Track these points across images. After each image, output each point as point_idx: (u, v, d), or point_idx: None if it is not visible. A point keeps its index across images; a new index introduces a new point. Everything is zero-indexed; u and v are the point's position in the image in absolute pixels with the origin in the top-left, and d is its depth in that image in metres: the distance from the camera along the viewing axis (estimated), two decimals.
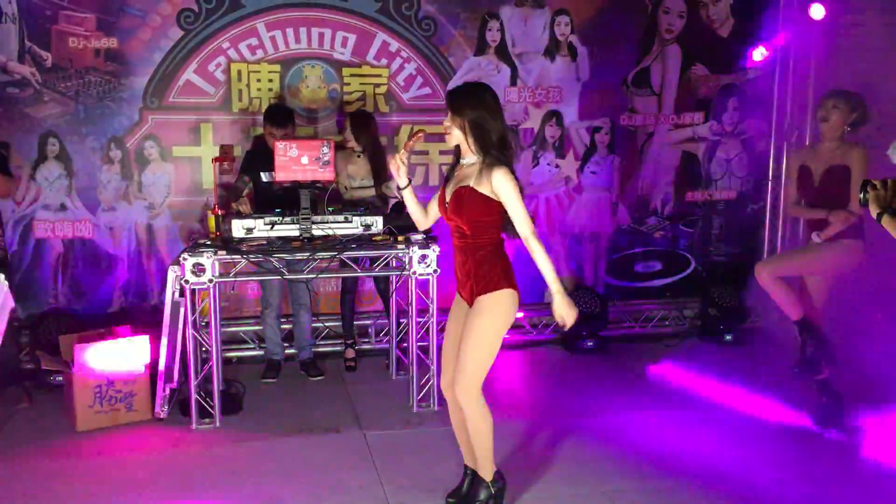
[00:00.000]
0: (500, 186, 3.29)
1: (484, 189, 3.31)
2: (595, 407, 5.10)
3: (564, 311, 3.34)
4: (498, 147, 3.33)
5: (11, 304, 3.44)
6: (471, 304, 3.43)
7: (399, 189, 3.67)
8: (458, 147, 3.45)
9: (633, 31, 6.64)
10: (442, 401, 5.03)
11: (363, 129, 5.60)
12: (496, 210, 3.33)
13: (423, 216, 3.69)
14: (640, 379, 5.70)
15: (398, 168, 3.59)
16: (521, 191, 3.35)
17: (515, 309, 3.44)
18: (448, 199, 3.44)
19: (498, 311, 3.38)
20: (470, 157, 3.40)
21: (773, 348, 6.19)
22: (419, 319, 5.05)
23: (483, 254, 3.39)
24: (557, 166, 6.68)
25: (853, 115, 4.56)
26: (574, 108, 6.63)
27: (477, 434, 3.48)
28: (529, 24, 6.47)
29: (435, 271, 4.90)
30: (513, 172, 3.33)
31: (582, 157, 6.71)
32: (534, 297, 6.66)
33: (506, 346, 6.36)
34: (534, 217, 6.60)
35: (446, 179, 3.54)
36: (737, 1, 6.73)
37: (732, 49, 6.76)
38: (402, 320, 5.68)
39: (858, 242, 4.54)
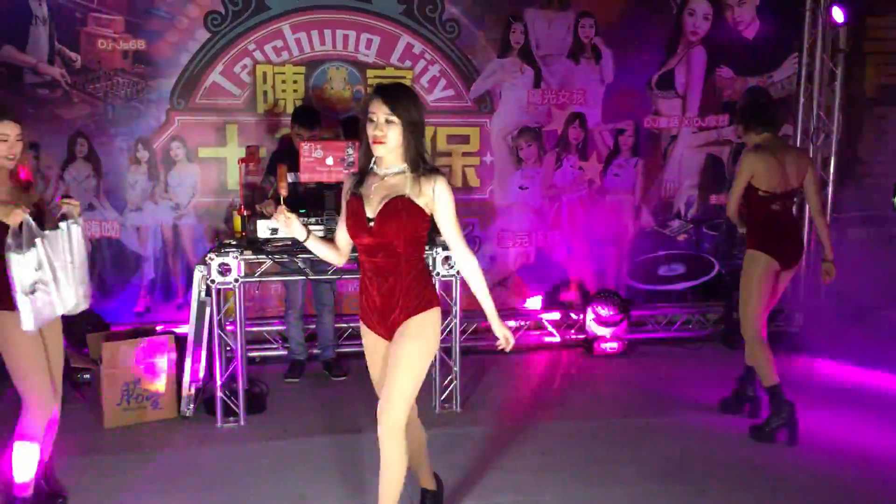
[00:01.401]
0: (443, 197, 3.00)
1: (421, 200, 2.99)
2: (618, 409, 5.09)
3: (507, 333, 3.17)
4: (425, 155, 3.04)
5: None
6: (389, 335, 3.11)
7: (301, 242, 3.20)
8: (367, 155, 3.07)
9: (658, 34, 6.63)
10: (464, 403, 5.07)
11: (356, 134, 5.59)
12: (427, 223, 3.04)
13: (337, 251, 3.25)
14: (662, 381, 5.68)
15: (289, 223, 3.11)
16: None
17: (440, 328, 3.17)
18: (372, 214, 3.01)
19: (431, 332, 3.09)
20: (395, 166, 3.02)
21: (797, 352, 6.15)
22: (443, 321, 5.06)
23: (416, 272, 3.06)
24: (580, 168, 6.68)
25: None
26: (598, 110, 6.62)
27: (394, 475, 3.05)
28: (553, 26, 6.47)
29: (459, 273, 4.91)
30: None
31: (605, 160, 6.70)
32: (555, 298, 6.71)
33: (527, 349, 6.44)
34: (556, 219, 6.63)
35: (353, 195, 3.09)
36: (763, 3, 6.69)
37: (758, 51, 6.73)
38: None
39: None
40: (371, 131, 2.96)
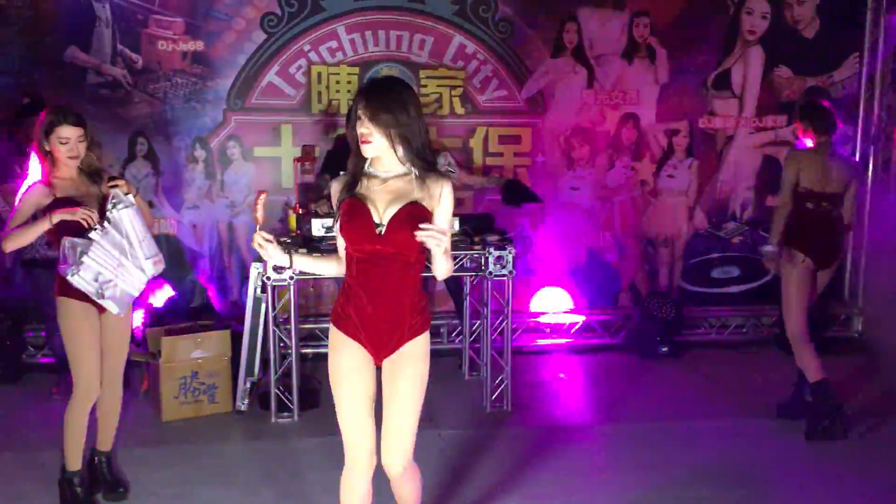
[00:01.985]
0: (448, 200, 2.72)
1: (430, 204, 2.71)
2: (670, 412, 5.04)
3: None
4: (430, 151, 2.76)
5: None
6: (381, 355, 2.78)
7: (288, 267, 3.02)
8: (357, 155, 2.74)
9: (715, 33, 6.54)
10: (515, 402, 5.06)
11: None
12: None
13: (339, 262, 2.89)
14: (716, 385, 5.61)
15: (265, 248, 2.78)
16: None
17: None
18: (380, 220, 2.69)
19: (427, 356, 2.80)
20: (397, 168, 2.72)
21: (862, 356, 6.02)
22: (494, 321, 5.07)
23: (419, 286, 2.79)
24: (633, 169, 6.62)
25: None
26: (651, 110, 6.56)
27: (415, 500, 2.90)
28: (607, 26, 6.43)
29: (511, 273, 4.91)
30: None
31: (658, 161, 6.63)
32: (606, 300, 6.66)
33: (576, 350, 6.41)
34: (608, 221, 6.58)
35: (351, 197, 2.75)
36: (823, 2, 6.56)
37: (818, 50, 6.60)
38: (473, 321, 5.72)
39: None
40: (358, 129, 2.67)
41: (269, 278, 4.75)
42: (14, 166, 5.28)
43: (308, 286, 6.10)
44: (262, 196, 2.92)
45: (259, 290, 4.96)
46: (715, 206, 6.73)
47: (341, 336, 2.78)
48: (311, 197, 5.49)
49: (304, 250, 4.44)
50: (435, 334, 6.29)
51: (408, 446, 2.78)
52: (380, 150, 2.68)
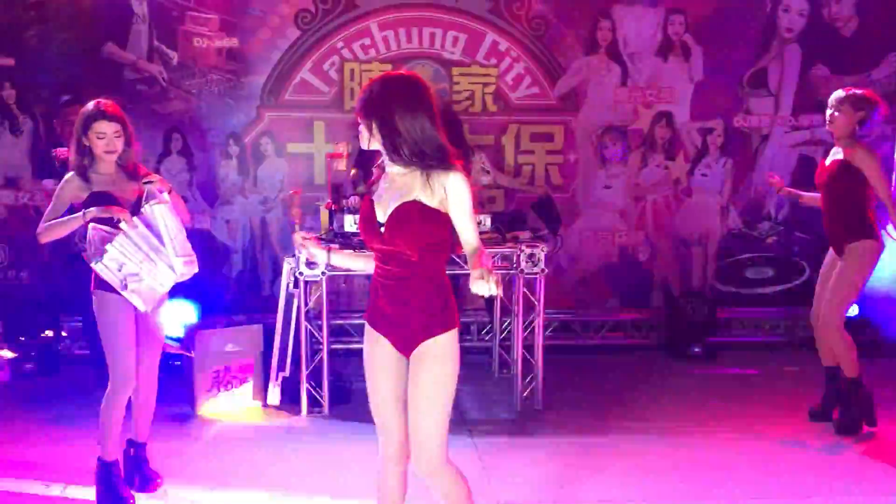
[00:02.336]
0: (456, 193, 2.60)
1: (434, 201, 2.61)
2: (703, 415, 4.99)
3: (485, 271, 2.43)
4: (434, 147, 2.62)
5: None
6: (406, 345, 2.73)
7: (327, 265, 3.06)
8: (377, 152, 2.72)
9: (751, 31, 6.46)
10: (545, 401, 5.04)
11: (451, 129, 5.59)
12: (447, 227, 2.64)
13: (367, 258, 2.93)
14: (748, 386, 5.55)
15: (305, 246, 2.91)
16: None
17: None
18: (383, 219, 2.66)
19: (451, 356, 2.70)
20: (401, 165, 2.64)
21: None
22: (525, 318, 5.06)
23: (433, 286, 2.68)
24: (666, 168, 6.56)
25: (859, 115, 4.50)
26: (686, 108, 6.50)
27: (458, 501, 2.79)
28: (642, 24, 6.38)
29: (542, 270, 4.89)
30: (465, 167, 2.68)
31: (692, 159, 6.57)
32: (638, 300, 6.61)
33: (608, 350, 6.37)
34: (641, 219, 6.54)
35: (367, 194, 2.79)
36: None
37: (856, 49, 6.49)
38: (503, 318, 5.71)
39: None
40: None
41: (301, 274, 4.78)
42: (55, 162, 5.35)
43: (340, 282, 6.13)
44: (297, 196, 2.97)
45: (291, 286, 4.99)
46: (749, 206, 6.65)
47: (370, 330, 2.80)
48: (343, 193, 5.49)
49: (337, 246, 4.47)
50: (465, 332, 6.29)
51: (430, 447, 2.70)
52: (371, 145, 2.65)
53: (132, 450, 3.88)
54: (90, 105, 3.59)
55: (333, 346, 5.93)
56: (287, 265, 4.99)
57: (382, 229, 2.65)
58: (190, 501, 3.81)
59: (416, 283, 2.67)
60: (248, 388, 5.02)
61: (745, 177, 6.61)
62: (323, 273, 4.78)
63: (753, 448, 4.45)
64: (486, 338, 6.21)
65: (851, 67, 6.52)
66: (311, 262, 4.75)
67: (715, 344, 6.31)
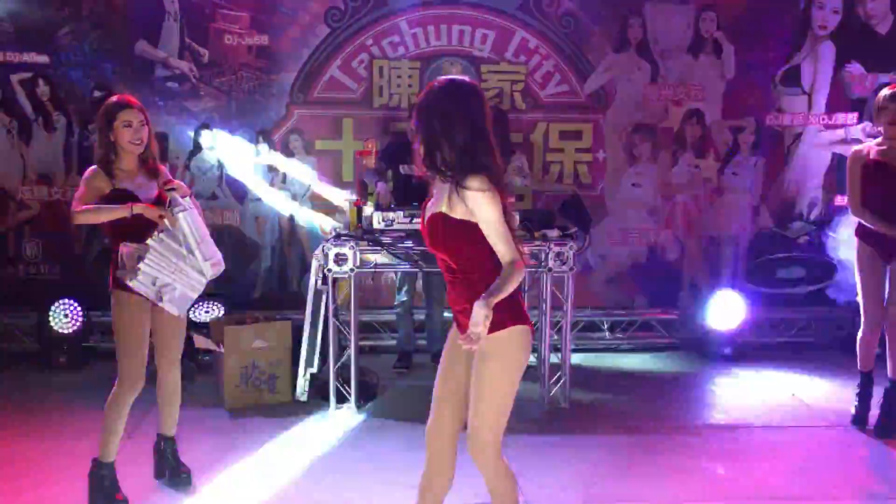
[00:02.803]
0: (479, 210, 2.61)
1: (458, 213, 2.64)
2: (733, 417, 4.94)
3: (482, 317, 2.53)
4: (455, 162, 2.64)
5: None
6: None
7: None
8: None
9: (784, 28, 6.38)
10: (573, 399, 5.02)
11: (496, 126, 5.57)
12: (476, 234, 2.66)
13: None
14: (779, 388, 5.48)
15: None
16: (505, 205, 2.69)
17: (528, 347, 2.81)
18: (424, 221, 2.78)
19: (507, 354, 2.75)
20: (433, 173, 2.73)
21: None
22: (553, 317, 5.04)
23: (475, 290, 2.64)
24: (697, 167, 6.50)
25: None
26: (717, 106, 6.44)
27: (498, 499, 2.88)
28: (673, 21, 6.32)
29: (571, 269, 4.87)
30: (492, 181, 2.63)
31: (723, 158, 6.50)
32: (666, 302, 6.56)
33: (636, 350, 6.32)
34: (670, 218, 6.48)
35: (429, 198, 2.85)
36: None
37: (891, 47, 6.39)
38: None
39: None
40: None
41: (329, 270, 4.79)
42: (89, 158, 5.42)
43: (367, 279, 6.14)
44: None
45: (319, 282, 5.01)
46: (781, 205, 6.57)
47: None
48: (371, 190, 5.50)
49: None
50: None
51: (477, 439, 2.77)
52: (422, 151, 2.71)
53: (162, 443, 3.89)
54: (112, 98, 3.58)
55: (361, 343, 5.96)
56: (315, 261, 5.00)
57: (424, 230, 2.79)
58: (218, 495, 3.84)
59: (463, 286, 2.74)
60: (276, 383, 5.05)
61: (777, 176, 6.53)
62: (351, 270, 4.79)
63: (785, 449, 4.40)
64: None
65: (886, 65, 6.42)
66: (340, 257, 4.77)
67: (745, 345, 6.24)
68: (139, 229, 3.44)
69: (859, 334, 4.54)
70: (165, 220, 3.44)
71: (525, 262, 2.72)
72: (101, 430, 3.58)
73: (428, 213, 2.74)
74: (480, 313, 2.52)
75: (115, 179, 3.52)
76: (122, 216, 3.45)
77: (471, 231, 2.64)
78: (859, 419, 4.65)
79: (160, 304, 3.47)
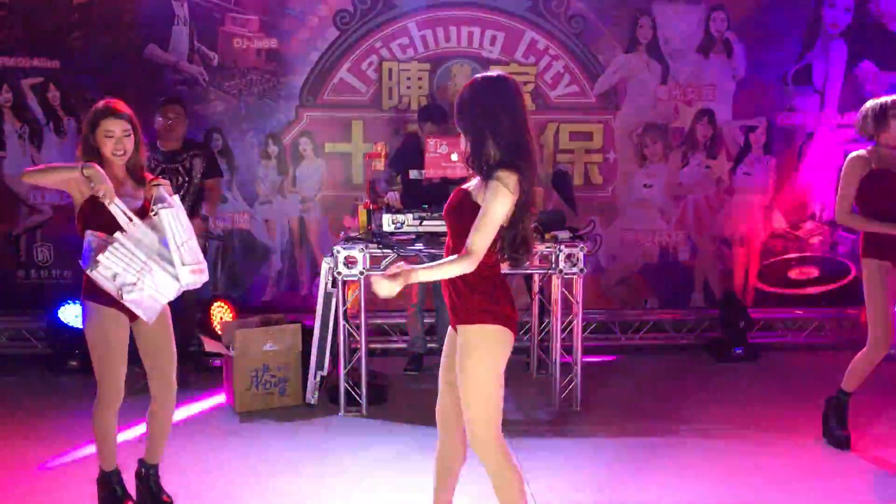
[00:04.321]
0: (489, 192, 2.68)
1: (479, 199, 2.74)
2: (745, 418, 4.91)
3: (391, 275, 2.62)
4: (486, 159, 2.76)
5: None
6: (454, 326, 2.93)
7: None
8: None
9: (795, 27, 6.34)
10: (584, 402, 5.00)
11: None
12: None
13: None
14: (791, 389, 5.44)
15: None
16: (526, 205, 2.76)
17: (506, 349, 2.85)
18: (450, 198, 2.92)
19: (482, 348, 2.80)
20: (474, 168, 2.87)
21: None
22: (564, 318, 5.01)
23: (471, 276, 2.74)
24: (708, 167, 6.47)
25: None
26: (728, 106, 6.40)
27: (500, 491, 2.90)
28: (683, 21, 6.30)
29: (581, 270, 4.84)
30: (521, 183, 2.71)
31: (735, 158, 6.47)
32: (678, 300, 6.53)
33: (648, 351, 6.29)
34: (681, 219, 6.44)
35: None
36: None
37: None
38: (542, 319, 5.67)
39: None
40: None
41: (339, 273, 4.78)
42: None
43: None
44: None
45: (330, 285, 5.00)
46: (793, 205, 6.53)
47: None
48: (381, 192, 5.50)
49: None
50: None
51: (472, 432, 2.85)
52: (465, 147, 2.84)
53: (143, 470, 3.62)
54: (99, 103, 3.38)
55: (372, 346, 5.96)
56: (325, 265, 5.00)
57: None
58: (228, 499, 3.84)
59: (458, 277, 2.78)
60: (287, 386, 5.04)
61: (790, 176, 6.49)
62: (361, 273, 4.78)
63: (797, 452, 4.36)
64: (525, 338, 6.16)
65: None
66: (350, 260, 4.76)
67: (758, 345, 6.21)
68: (113, 229, 3.21)
69: (861, 356, 4.28)
70: (115, 206, 3.19)
71: (490, 263, 2.79)
72: (95, 443, 3.48)
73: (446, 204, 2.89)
74: (391, 271, 2.61)
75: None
76: (70, 176, 3.25)
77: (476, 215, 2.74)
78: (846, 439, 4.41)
79: (124, 302, 3.20)
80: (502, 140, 2.72)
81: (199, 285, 3.38)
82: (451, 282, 2.81)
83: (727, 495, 3.87)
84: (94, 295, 3.31)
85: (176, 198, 3.31)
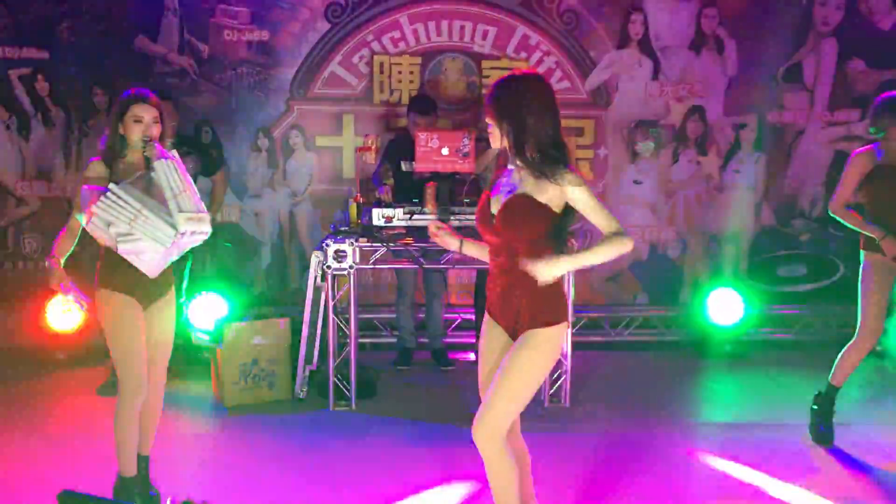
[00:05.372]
0: (576, 195, 2.75)
1: (544, 197, 2.76)
2: (733, 414, 4.93)
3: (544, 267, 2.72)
4: (545, 147, 2.78)
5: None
6: (513, 334, 2.90)
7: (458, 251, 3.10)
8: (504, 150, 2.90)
9: (786, 24, 6.35)
10: (573, 398, 5.01)
11: None
12: (550, 222, 2.79)
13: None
14: (779, 385, 5.46)
15: (439, 235, 3.04)
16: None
17: (562, 344, 2.95)
18: (494, 210, 2.85)
19: (548, 348, 2.84)
20: (517, 161, 2.83)
21: None
22: None
23: (536, 280, 2.77)
24: (698, 163, 6.48)
25: None
26: (719, 103, 6.41)
27: (496, 486, 2.90)
28: (675, 17, 6.30)
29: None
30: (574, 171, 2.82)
31: (725, 155, 6.48)
32: (667, 299, 6.54)
33: (637, 347, 6.30)
34: (672, 215, 6.46)
35: (488, 188, 2.98)
36: None
37: (895, 43, 6.36)
38: None
39: None
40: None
41: (329, 267, 4.77)
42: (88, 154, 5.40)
43: (367, 276, 6.12)
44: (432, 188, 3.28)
45: (319, 279, 4.99)
46: (783, 203, 6.55)
47: (487, 318, 2.99)
48: (372, 186, 5.48)
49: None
50: None
51: (488, 420, 2.82)
52: (499, 142, 2.83)
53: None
54: (130, 90, 3.37)
55: (361, 340, 5.95)
56: (315, 258, 4.98)
57: (493, 221, 2.84)
58: (217, 493, 3.82)
59: (522, 273, 2.78)
60: (276, 381, 5.03)
61: (779, 173, 6.51)
62: (351, 267, 4.77)
63: (784, 447, 4.38)
64: None
65: (889, 62, 6.40)
66: (340, 254, 4.75)
67: (746, 342, 6.23)
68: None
69: (850, 347, 4.31)
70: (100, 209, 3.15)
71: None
72: (115, 444, 3.36)
73: (504, 199, 2.81)
74: (557, 266, 2.71)
75: (114, 173, 3.30)
76: (74, 225, 3.39)
77: (545, 215, 2.77)
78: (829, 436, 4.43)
79: (121, 253, 3.17)
80: (544, 137, 2.76)
81: (199, 235, 3.29)
82: (530, 286, 2.78)
83: (714, 490, 3.89)
84: (107, 282, 3.32)
85: (175, 152, 3.29)
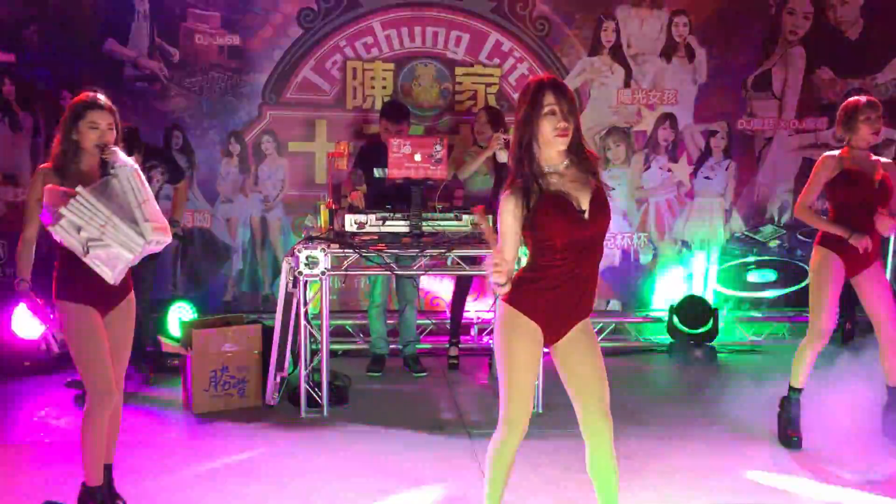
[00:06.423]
0: (608, 200, 2.95)
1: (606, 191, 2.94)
2: (704, 418, 4.96)
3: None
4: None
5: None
6: (555, 338, 3.09)
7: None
8: (529, 155, 2.83)
9: (755, 32, 6.44)
10: (546, 403, 5.01)
11: (501, 124, 5.49)
12: None
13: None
14: (751, 392, 5.50)
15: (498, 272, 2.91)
16: None
17: None
18: (586, 207, 2.82)
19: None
20: (562, 160, 2.85)
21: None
22: None
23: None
24: (670, 170, 6.54)
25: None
26: (689, 110, 6.48)
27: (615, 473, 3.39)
28: (646, 25, 6.36)
29: None
30: None
31: (696, 162, 6.54)
32: (639, 305, 6.58)
33: (610, 353, 6.31)
34: (643, 222, 6.50)
35: (543, 192, 2.82)
36: (867, 2, 6.41)
37: (861, 52, 6.47)
38: None
39: None
40: (555, 124, 2.76)
41: (300, 273, 4.74)
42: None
43: (340, 281, 6.09)
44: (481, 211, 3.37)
45: (290, 285, 4.95)
46: (752, 209, 6.62)
47: (528, 324, 3.01)
48: (343, 192, 5.46)
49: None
50: (465, 332, 6.26)
51: (606, 402, 3.31)
52: (506, 156, 2.99)
53: None
54: (84, 95, 3.31)
55: (334, 346, 5.92)
56: (286, 264, 4.95)
57: (585, 215, 2.82)
58: (185, 501, 3.78)
59: (594, 268, 2.96)
60: (246, 388, 4.98)
61: (749, 180, 6.58)
62: (322, 273, 4.74)
63: (757, 452, 4.41)
64: (488, 339, 6.18)
65: (856, 70, 6.50)
66: (312, 260, 4.72)
67: (716, 348, 6.28)
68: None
69: (803, 345, 4.35)
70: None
71: None
72: (82, 453, 3.30)
73: (584, 195, 2.82)
74: None
75: (66, 181, 3.22)
76: (33, 215, 3.34)
77: None
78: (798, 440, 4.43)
79: (87, 261, 3.14)
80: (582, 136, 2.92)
81: (163, 245, 3.31)
82: (593, 276, 2.98)
83: (684, 496, 3.90)
84: (64, 293, 3.27)
85: (131, 159, 3.26)
